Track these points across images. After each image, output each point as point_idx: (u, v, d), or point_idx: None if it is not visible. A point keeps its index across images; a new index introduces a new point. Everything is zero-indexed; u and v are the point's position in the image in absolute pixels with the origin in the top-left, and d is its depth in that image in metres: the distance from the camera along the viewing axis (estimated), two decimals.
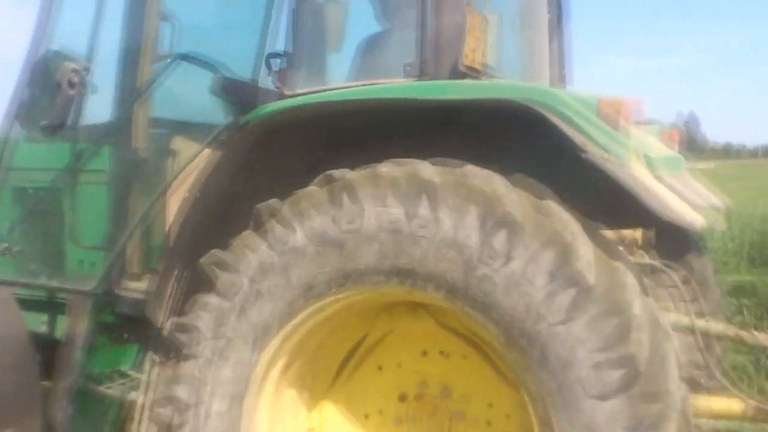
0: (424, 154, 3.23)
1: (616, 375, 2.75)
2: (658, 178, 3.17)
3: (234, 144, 3.66)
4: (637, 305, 2.84)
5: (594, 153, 2.94)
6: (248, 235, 3.34)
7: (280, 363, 3.42)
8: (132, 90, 4.13)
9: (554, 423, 2.85)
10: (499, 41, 4.19)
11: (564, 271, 2.81)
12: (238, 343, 3.34)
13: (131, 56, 4.12)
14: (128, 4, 4.16)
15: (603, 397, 2.76)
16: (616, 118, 3.09)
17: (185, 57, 4.08)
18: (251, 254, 3.29)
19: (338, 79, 4.14)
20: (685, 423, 2.89)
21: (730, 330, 3.76)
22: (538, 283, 2.85)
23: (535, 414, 2.97)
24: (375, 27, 4.24)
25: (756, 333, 3.84)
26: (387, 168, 3.16)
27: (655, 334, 2.87)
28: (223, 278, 3.34)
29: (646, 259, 3.70)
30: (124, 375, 4.25)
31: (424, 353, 3.66)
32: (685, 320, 3.62)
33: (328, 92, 3.56)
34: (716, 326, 3.74)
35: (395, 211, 3.03)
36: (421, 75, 3.56)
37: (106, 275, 4.09)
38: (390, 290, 3.16)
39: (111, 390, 4.19)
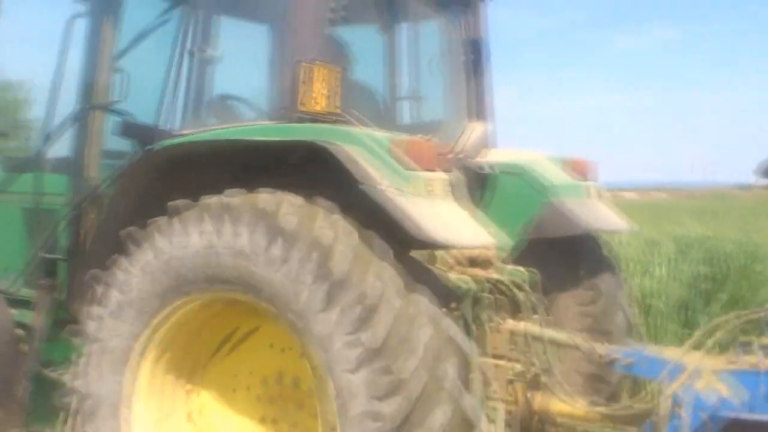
0: (283, 183, 3.82)
1: (358, 352, 3.38)
2: (444, 206, 3.79)
3: (130, 175, 4.40)
4: (390, 298, 3.44)
5: (370, 184, 3.51)
6: (117, 257, 4.08)
7: (152, 355, 4.12)
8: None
9: (328, 389, 3.48)
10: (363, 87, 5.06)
11: (323, 269, 3.45)
12: (115, 341, 4.07)
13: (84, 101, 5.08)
14: (85, 59, 5.08)
15: (352, 371, 3.38)
16: (402, 155, 3.66)
17: (97, 106, 4.96)
18: (118, 271, 4.05)
19: (217, 122, 4.82)
20: (457, 408, 3.46)
21: (569, 339, 4.28)
22: (306, 280, 3.48)
23: (315, 383, 3.67)
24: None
25: (604, 344, 4.18)
26: (215, 198, 3.85)
27: (410, 324, 3.43)
28: (99, 291, 4.13)
29: (493, 275, 4.38)
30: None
31: (282, 348, 4.29)
32: (534, 329, 4.33)
33: (199, 133, 4.31)
34: (558, 335, 4.33)
35: (209, 229, 3.73)
36: (272, 119, 4.26)
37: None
38: (218, 294, 3.89)
39: (63, 376, 4.96)
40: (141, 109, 4.70)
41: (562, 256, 5.02)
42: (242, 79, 5.12)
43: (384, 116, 5.08)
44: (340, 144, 3.63)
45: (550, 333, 4.23)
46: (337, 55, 4.55)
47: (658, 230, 11.39)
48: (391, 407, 3.32)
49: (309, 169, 3.84)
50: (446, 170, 3.91)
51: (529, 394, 4.25)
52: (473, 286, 4.17)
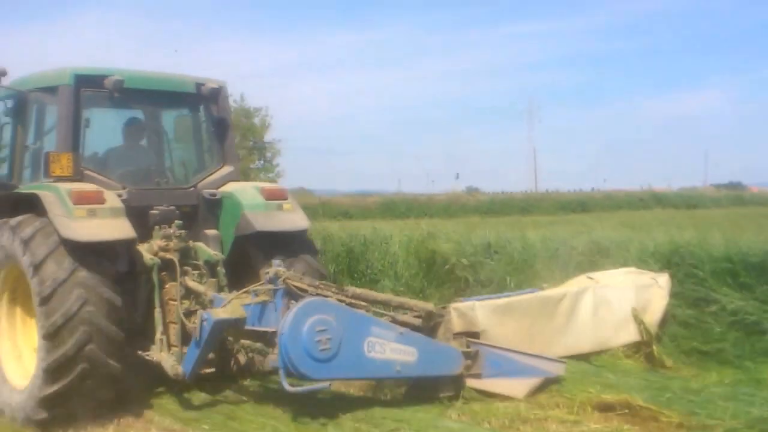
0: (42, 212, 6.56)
1: (38, 300, 6.18)
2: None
3: None
4: (59, 272, 6.16)
5: (52, 212, 6.38)
6: None
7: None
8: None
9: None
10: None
11: (30, 254, 6.29)
12: None
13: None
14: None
15: (38, 305, 6.25)
16: (70, 197, 6.47)
17: None
18: None
19: (30, 181, 7.54)
20: (97, 330, 6.19)
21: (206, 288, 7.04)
22: (26, 262, 6.31)
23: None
24: None
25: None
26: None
27: (69, 287, 6.14)
28: None
29: (171, 256, 6.99)
30: None
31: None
32: (192, 284, 7.04)
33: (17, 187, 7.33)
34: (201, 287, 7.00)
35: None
36: (47, 180, 6.97)
37: None
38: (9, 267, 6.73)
39: None
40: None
41: (270, 244, 7.26)
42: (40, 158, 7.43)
43: (148, 172, 7.75)
44: (45, 192, 6.50)
45: (208, 286, 6.95)
46: (109, 135, 7.78)
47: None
48: (52, 326, 6.02)
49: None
50: (111, 201, 6.62)
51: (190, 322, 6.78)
52: (158, 261, 6.86)
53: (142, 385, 7.11)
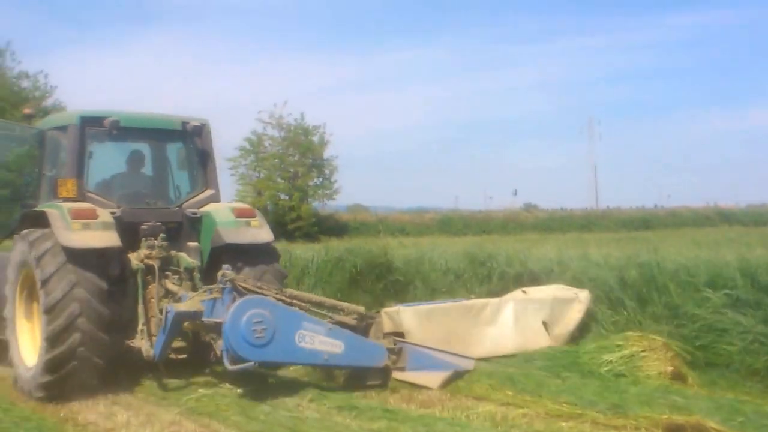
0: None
1: (44, 308, 7.78)
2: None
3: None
4: (62, 279, 7.77)
5: (55, 225, 7.97)
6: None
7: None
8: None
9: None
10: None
11: (41, 266, 7.92)
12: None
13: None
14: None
15: (43, 313, 7.81)
16: (70, 214, 8.02)
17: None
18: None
19: (46, 201, 9.06)
20: (88, 331, 7.71)
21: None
22: (38, 275, 7.92)
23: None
24: None
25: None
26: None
27: (68, 293, 7.69)
28: None
29: (152, 261, 8.50)
30: None
31: None
32: (170, 286, 8.56)
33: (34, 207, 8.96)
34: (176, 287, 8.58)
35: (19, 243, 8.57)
36: (58, 200, 8.57)
37: None
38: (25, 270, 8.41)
39: None
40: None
41: (239, 254, 8.73)
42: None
43: (140, 194, 9.23)
44: (51, 210, 8.15)
45: (184, 287, 8.49)
46: (111, 163, 9.40)
47: None
48: (52, 331, 7.55)
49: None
50: (104, 217, 8.14)
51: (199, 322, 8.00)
52: (142, 267, 8.44)
53: (135, 369, 8.55)
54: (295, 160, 47.34)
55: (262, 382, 8.16)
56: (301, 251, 15.68)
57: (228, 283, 7.79)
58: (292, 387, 7.95)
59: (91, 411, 7.26)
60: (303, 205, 46.46)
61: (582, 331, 9.32)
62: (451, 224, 54.06)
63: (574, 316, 9.24)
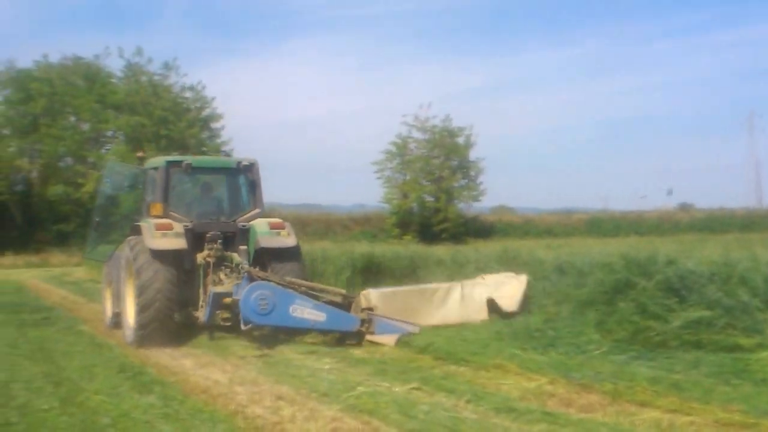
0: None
1: (136, 291, 11.52)
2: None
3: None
4: (147, 269, 11.29)
5: (144, 234, 11.65)
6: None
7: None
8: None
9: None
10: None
11: (135, 260, 11.54)
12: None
13: None
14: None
15: (134, 297, 11.63)
16: (154, 226, 11.53)
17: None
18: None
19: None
20: (165, 307, 11.26)
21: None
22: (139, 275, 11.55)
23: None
24: None
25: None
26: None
27: (152, 276, 11.23)
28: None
29: (212, 258, 11.97)
30: None
31: None
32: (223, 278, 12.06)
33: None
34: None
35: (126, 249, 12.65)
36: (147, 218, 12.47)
37: None
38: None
39: None
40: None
41: (272, 254, 12.20)
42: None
43: (206, 213, 12.73)
44: (144, 224, 11.72)
45: (231, 278, 11.81)
46: (190, 191, 13.22)
47: None
48: (141, 303, 11.14)
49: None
50: (177, 229, 11.58)
51: (230, 299, 11.25)
52: (204, 263, 11.91)
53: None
54: (440, 162, 47.54)
55: (416, 381, 8.28)
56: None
57: (245, 273, 11.31)
58: (448, 388, 8.04)
59: (258, 405, 7.58)
60: (450, 207, 46.58)
61: (753, 337, 8.81)
62: (600, 225, 52.64)
63: (515, 292, 12.09)
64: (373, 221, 48.88)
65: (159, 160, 12.77)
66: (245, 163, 12.75)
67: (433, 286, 12.39)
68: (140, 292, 11.09)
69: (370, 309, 11.29)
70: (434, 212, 46.20)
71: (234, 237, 12.25)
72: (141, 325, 11.11)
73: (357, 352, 10.48)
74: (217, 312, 11.38)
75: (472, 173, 47.99)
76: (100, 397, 8.03)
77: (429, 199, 47.02)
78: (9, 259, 33.19)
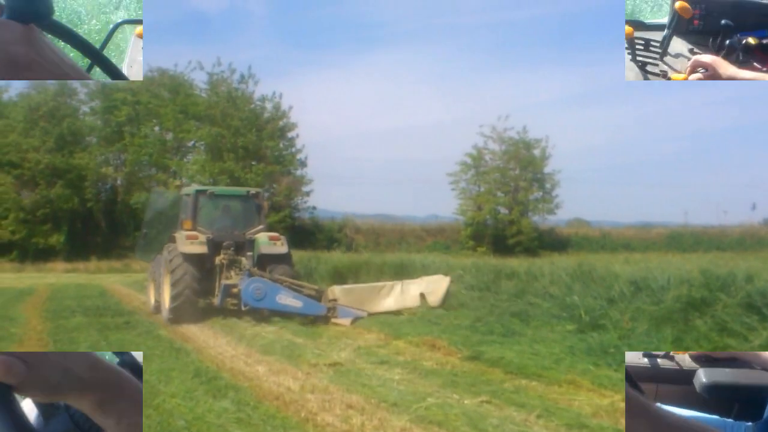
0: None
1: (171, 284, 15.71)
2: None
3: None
4: (178, 265, 15.37)
5: (178, 241, 15.98)
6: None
7: None
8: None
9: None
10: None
11: (172, 262, 15.78)
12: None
13: None
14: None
15: (170, 286, 15.75)
16: (185, 237, 15.89)
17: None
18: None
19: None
20: (189, 293, 15.26)
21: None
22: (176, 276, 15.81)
23: None
24: None
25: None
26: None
27: (181, 271, 15.24)
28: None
29: (225, 259, 16.27)
30: None
31: None
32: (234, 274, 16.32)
33: None
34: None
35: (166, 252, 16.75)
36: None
37: None
38: None
39: None
40: None
41: (269, 258, 16.23)
42: None
43: (224, 228, 16.64)
44: (177, 234, 16.03)
45: (240, 276, 15.76)
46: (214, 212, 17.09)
47: None
48: (173, 292, 15.13)
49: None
50: (201, 239, 15.77)
51: (236, 289, 15.36)
52: (219, 264, 16.00)
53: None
54: (515, 174, 47.17)
55: (486, 394, 8.23)
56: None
57: (247, 271, 15.44)
58: (519, 402, 7.95)
59: (329, 413, 7.66)
60: (523, 219, 46.14)
61: None
62: (681, 240, 51.22)
63: (439, 290, 16.07)
64: (447, 232, 48.76)
65: (190, 189, 17.39)
66: (253, 192, 17.56)
67: (380, 284, 16.46)
68: (173, 285, 14.91)
69: (335, 300, 15.15)
70: (507, 224, 45.83)
71: (243, 246, 16.34)
72: (173, 309, 14.92)
73: (427, 364, 10.36)
74: (227, 299, 15.30)
75: (548, 185, 47.48)
76: (176, 400, 8.22)
77: (503, 211, 46.70)
78: (93, 264, 34.48)
